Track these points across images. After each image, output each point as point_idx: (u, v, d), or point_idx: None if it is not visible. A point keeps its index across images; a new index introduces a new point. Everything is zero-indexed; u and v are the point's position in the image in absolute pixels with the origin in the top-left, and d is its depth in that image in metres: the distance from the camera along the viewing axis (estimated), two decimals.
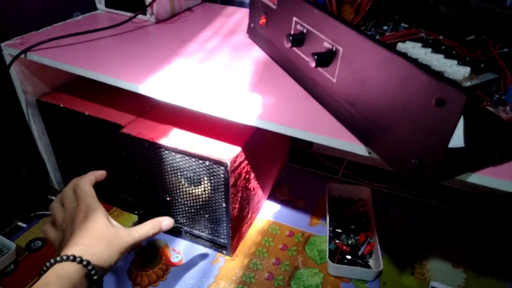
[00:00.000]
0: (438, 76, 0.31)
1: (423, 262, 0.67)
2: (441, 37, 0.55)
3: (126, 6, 0.78)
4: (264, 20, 0.62)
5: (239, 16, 0.82)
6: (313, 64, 0.46)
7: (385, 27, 0.58)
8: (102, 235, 0.42)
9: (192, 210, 0.65)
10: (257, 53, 0.64)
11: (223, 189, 0.59)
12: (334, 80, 0.46)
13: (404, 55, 0.35)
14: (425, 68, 0.33)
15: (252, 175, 0.66)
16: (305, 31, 0.50)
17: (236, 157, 0.57)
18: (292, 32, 0.53)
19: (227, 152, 0.57)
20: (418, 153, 0.35)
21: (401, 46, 0.53)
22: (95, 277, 0.39)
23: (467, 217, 0.77)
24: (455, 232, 0.73)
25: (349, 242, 0.68)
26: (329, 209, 0.74)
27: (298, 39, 0.51)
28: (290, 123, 0.46)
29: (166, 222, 0.50)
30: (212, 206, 0.62)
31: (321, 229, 0.73)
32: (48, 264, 0.38)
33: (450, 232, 0.73)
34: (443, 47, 0.53)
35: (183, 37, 0.70)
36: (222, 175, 0.57)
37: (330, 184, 0.78)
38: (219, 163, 0.56)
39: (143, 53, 0.63)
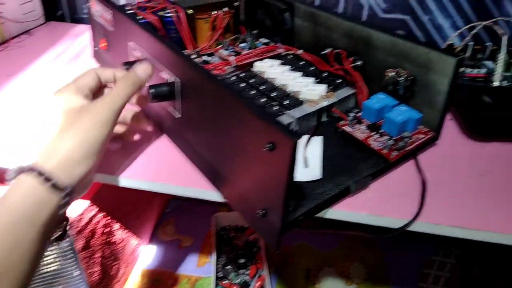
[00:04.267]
0: (268, 119, 0.26)
1: (316, 286, 0.64)
2: (300, 51, 0.52)
3: None
4: (104, 44, 0.52)
5: (90, 35, 0.70)
6: (149, 99, 0.38)
7: (242, 44, 0.53)
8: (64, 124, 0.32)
9: (43, 283, 0.52)
10: None
11: (71, 256, 0.47)
12: (179, 115, 0.39)
13: (236, 93, 0.30)
14: (257, 110, 0.28)
15: (116, 226, 0.55)
16: (142, 57, 0.42)
17: (82, 214, 0.47)
18: (129, 60, 0.44)
19: (67, 211, 0.46)
20: (262, 203, 0.29)
21: (258, 65, 0.49)
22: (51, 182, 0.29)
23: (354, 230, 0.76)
24: (345, 247, 0.72)
25: (238, 280, 0.62)
26: (218, 242, 0.67)
27: None
28: (130, 173, 0.38)
29: (141, 67, 0.36)
30: (64, 275, 0.50)
31: (210, 269, 0.66)
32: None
33: (340, 248, 0.72)
34: (302, 63, 0.50)
35: (9, 70, 0.56)
36: (66, 240, 0.46)
37: (218, 214, 0.72)
38: None
39: None
